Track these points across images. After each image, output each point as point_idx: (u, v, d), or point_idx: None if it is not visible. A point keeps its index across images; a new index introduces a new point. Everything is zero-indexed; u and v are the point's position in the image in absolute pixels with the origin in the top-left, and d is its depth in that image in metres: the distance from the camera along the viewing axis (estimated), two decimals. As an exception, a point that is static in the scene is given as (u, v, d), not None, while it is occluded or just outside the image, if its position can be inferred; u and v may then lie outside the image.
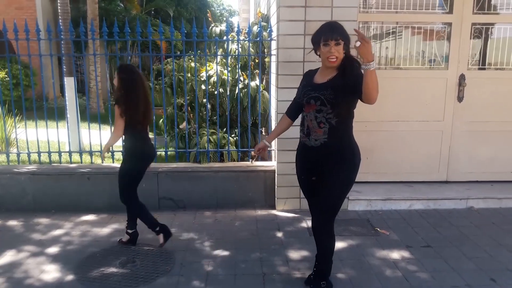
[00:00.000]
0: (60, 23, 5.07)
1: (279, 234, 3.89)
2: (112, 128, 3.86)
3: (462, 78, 4.73)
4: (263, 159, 4.89)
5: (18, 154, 4.77)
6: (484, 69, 4.83)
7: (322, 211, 2.72)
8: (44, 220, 4.21)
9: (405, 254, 3.50)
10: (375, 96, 2.38)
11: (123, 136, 3.52)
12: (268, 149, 3.14)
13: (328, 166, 2.64)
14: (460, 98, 4.77)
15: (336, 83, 2.53)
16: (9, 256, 3.44)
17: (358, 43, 2.26)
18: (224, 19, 25.68)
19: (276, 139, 4.37)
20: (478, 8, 4.66)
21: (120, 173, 3.57)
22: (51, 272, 3.20)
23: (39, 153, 4.72)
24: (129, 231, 3.66)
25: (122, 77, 3.39)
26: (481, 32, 4.73)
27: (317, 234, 2.81)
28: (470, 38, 4.70)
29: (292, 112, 3.00)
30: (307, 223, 4.11)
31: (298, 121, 2.93)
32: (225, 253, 3.51)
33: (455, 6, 4.62)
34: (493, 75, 4.82)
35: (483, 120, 4.83)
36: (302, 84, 2.83)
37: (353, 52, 2.60)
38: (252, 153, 4.93)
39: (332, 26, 2.54)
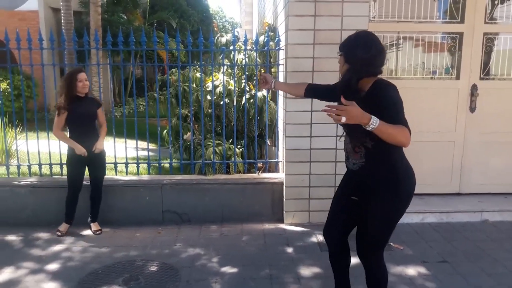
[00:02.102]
0: (64, 33, 4.99)
1: (289, 250, 3.74)
2: (106, 137, 3.79)
3: (474, 88, 4.62)
4: (270, 171, 4.76)
5: (18, 166, 4.65)
6: (497, 79, 4.71)
7: (366, 243, 2.46)
8: (44, 235, 4.07)
9: (421, 270, 3.35)
10: (404, 143, 2.10)
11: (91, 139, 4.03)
12: (269, 85, 2.93)
13: (369, 193, 2.33)
14: (472, 109, 4.66)
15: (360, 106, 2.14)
16: (7, 273, 3.30)
17: (343, 119, 1.99)
18: (229, 30, 25.74)
19: (284, 150, 4.27)
20: (490, 18, 4.57)
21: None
22: (51, 290, 3.05)
23: (40, 165, 4.59)
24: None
25: None
26: (493, 42, 4.63)
27: (363, 259, 2.56)
28: (482, 48, 4.60)
29: (312, 91, 2.77)
30: (317, 238, 3.97)
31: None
32: (233, 269, 3.36)
33: (466, 16, 4.52)
34: (506, 86, 4.71)
35: (496, 131, 4.70)
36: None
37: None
38: (259, 164, 4.82)
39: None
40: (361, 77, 2.25)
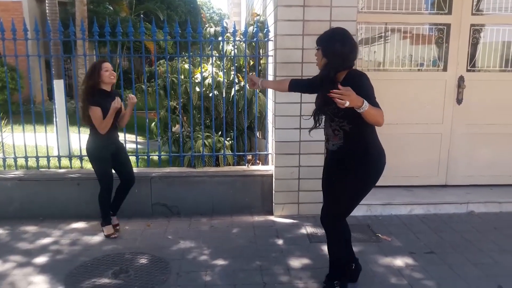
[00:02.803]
0: (49, 24, 4.90)
1: (279, 241, 3.76)
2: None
3: (461, 80, 4.66)
4: (260, 163, 4.76)
5: (4, 159, 4.57)
6: (484, 71, 4.76)
7: (329, 209, 2.75)
8: (31, 228, 4.02)
9: (409, 261, 3.40)
10: (381, 123, 2.44)
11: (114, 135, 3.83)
12: (257, 85, 3.23)
13: (344, 168, 2.65)
14: (459, 100, 4.70)
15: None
16: (-6, 267, 3.26)
17: (347, 103, 2.24)
18: (217, 22, 25.54)
19: (274, 142, 4.27)
20: (476, 9, 4.60)
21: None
22: (39, 283, 3.03)
23: (26, 158, 4.52)
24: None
25: None
26: (480, 34, 4.67)
27: (326, 231, 2.83)
28: (469, 39, 4.64)
29: (295, 85, 3.08)
30: (307, 229, 3.99)
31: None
32: (223, 261, 3.37)
33: (454, 7, 4.55)
34: (493, 77, 4.76)
35: (483, 123, 4.76)
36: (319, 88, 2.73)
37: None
38: (249, 157, 4.81)
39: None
40: (339, 71, 2.54)
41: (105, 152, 3.73)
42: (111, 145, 3.76)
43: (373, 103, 2.39)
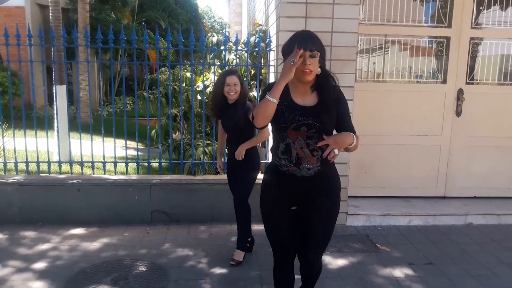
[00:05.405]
0: (53, 30, 4.94)
1: (278, 250, 3.76)
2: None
3: (460, 92, 4.71)
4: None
5: (5, 164, 4.58)
6: (482, 83, 4.81)
7: (320, 243, 2.36)
8: (30, 234, 4.02)
9: (408, 271, 3.40)
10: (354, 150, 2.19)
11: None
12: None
13: (319, 194, 2.26)
14: (458, 113, 4.74)
15: (327, 107, 2.17)
16: (-7, 272, 3.26)
17: (336, 151, 2.04)
18: (218, 30, 25.71)
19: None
20: (476, 23, 4.66)
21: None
22: (38, 289, 3.02)
23: (27, 163, 4.53)
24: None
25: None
26: (479, 47, 4.73)
27: (312, 267, 2.45)
28: (468, 52, 4.69)
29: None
30: (306, 239, 3.99)
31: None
32: (222, 270, 3.37)
33: (453, 20, 4.61)
34: (492, 90, 4.81)
35: (481, 135, 4.80)
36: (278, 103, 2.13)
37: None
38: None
39: (306, 35, 2.15)
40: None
41: (228, 162, 3.66)
42: (230, 156, 3.58)
43: (350, 125, 2.23)
